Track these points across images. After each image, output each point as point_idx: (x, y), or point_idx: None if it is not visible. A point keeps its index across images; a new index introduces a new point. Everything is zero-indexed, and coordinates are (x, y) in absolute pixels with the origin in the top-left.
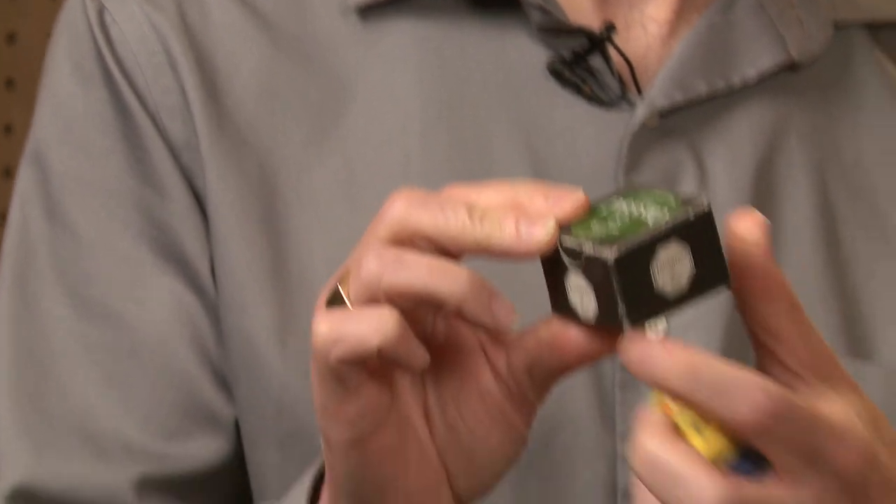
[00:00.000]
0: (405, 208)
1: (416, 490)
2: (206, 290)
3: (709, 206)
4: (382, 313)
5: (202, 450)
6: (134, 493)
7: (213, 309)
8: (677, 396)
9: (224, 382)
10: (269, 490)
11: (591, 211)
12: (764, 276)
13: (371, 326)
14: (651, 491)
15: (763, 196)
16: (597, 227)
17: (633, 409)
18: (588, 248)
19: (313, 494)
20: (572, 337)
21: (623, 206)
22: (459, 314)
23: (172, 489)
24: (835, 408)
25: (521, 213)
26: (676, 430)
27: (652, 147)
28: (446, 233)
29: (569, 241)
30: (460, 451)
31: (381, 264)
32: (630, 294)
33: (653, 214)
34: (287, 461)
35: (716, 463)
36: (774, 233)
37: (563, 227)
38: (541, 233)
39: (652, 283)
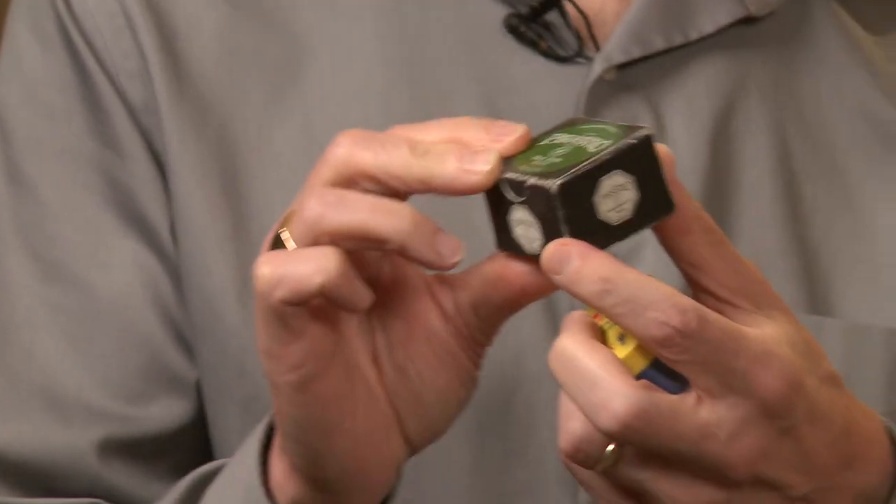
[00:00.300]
0: (348, 148)
1: (365, 433)
2: (167, 252)
3: (649, 133)
4: (324, 252)
5: (165, 412)
6: (96, 455)
7: (175, 271)
8: (590, 305)
9: (187, 345)
10: (232, 451)
11: (533, 145)
12: (678, 209)
13: (312, 266)
14: (564, 390)
15: (721, 150)
16: (539, 160)
17: None
18: (531, 180)
19: (266, 442)
20: (517, 271)
21: (566, 139)
22: (403, 253)
23: (135, 451)
24: (763, 331)
25: (464, 147)
26: (601, 337)
27: (609, 102)
28: (388, 170)
29: (512, 175)
30: (410, 393)
31: (322, 204)
32: (574, 223)
33: (595, 144)
34: (249, 423)
35: (634, 373)
36: (733, 188)
37: (507, 162)
38: (483, 166)
39: (596, 212)
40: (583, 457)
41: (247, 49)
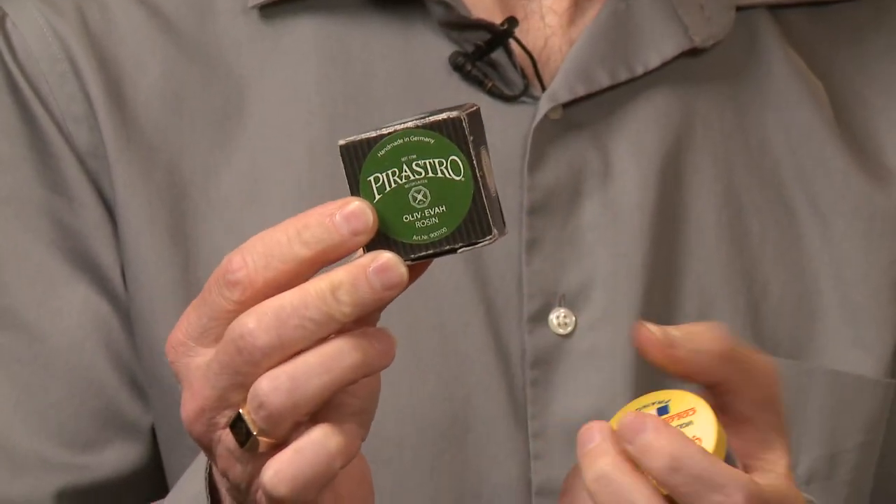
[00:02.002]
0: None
1: None
2: (119, 296)
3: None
4: (327, 441)
5: (119, 458)
6: None
7: (126, 316)
8: (656, 479)
9: (140, 389)
10: None
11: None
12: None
13: (325, 458)
14: None
15: (670, 185)
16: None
17: (545, 407)
18: None
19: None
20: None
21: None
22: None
23: (91, 498)
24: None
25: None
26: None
27: (555, 141)
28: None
29: None
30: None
31: (281, 393)
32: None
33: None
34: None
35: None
36: (682, 223)
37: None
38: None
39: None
40: None
41: (192, 92)
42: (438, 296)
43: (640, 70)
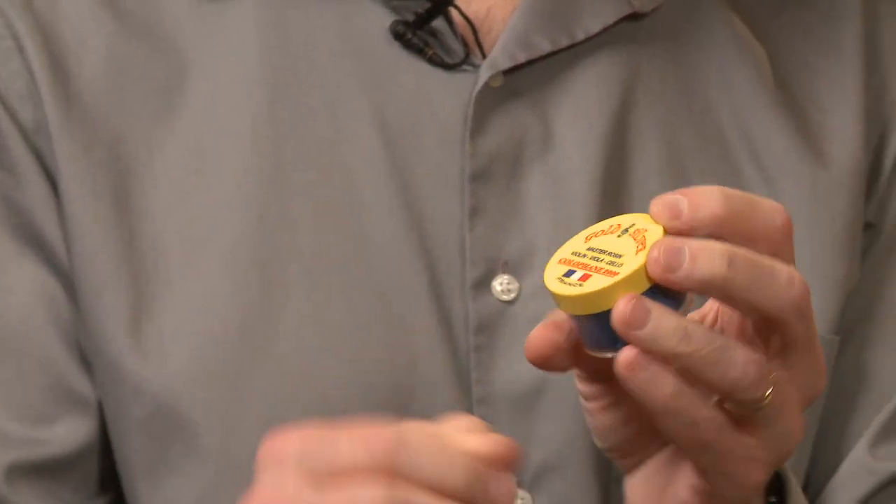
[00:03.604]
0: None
1: None
2: (65, 272)
3: None
4: None
5: (70, 433)
6: (4, 479)
7: (72, 291)
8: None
9: (88, 364)
10: (136, 469)
11: None
12: None
13: None
14: (736, 293)
15: (612, 150)
16: None
17: (489, 373)
18: None
19: None
20: None
21: None
22: None
23: (42, 473)
24: None
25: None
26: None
27: (497, 108)
28: None
29: None
30: None
31: None
32: None
33: None
34: (148, 442)
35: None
36: (624, 187)
37: None
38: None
39: None
40: (766, 383)
41: (135, 66)
42: (380, 263)
43: (580, 36)
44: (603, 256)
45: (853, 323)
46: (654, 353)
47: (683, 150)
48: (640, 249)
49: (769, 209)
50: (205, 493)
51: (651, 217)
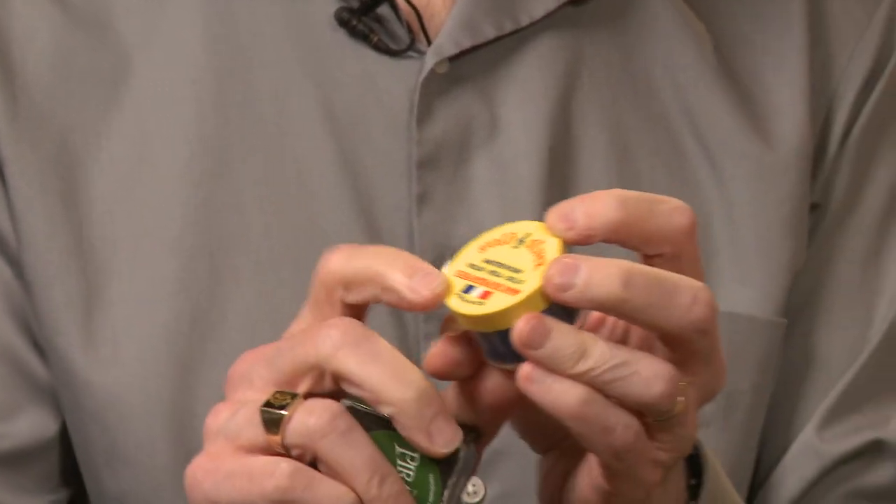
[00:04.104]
0: (334, 348)
1: None
2: (18, 263)
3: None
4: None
5: (32, 423)
6: None
7: (25, 281)
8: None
9: (44, 353)
10: (95, 458)
11: None
12: None
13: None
14: (637, 315)
15: (558, 133)
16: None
17: None
18: None
19: None
20: None
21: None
22: (391, 418)
23: (9, 462)
24: None
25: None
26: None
27: (443, 95)
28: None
29: None
30: None
31: (324, 425)
32: None
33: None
34: (102, 432)
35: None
36: (570, 169)
37: None
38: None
39: None
40: (677, 392)
41: (81, 57)
42: (329, 249)
43: (525, 21)
44: (501, 271)
45: (800, 305)
46: (555, 372)
47: (629, 131)
48: (539, 264)
49: (670, 210)
50: (160, 482)
51: (547, 227)
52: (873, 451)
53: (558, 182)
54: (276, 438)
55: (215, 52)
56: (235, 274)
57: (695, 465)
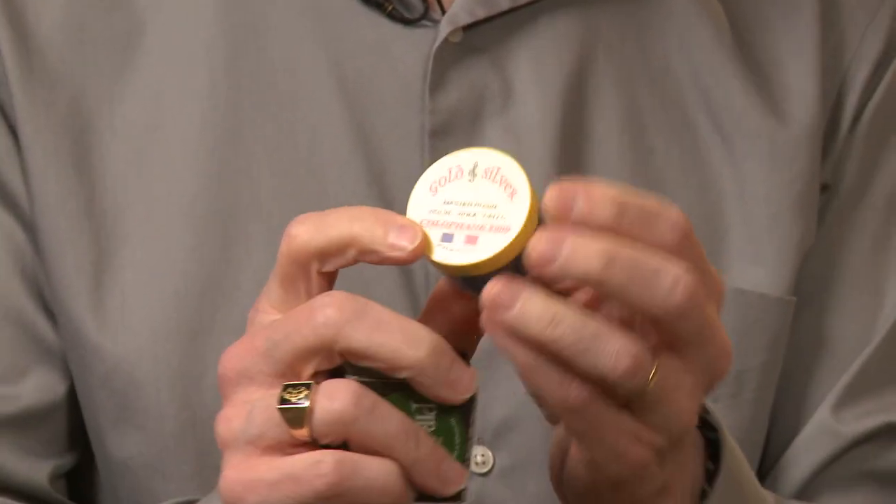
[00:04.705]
0: (337, 324)
1: None
2: (29, 225)
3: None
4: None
5: (41, 385)
6: None
7: (37, 244)
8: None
9: (53, 316)
10: (102, 422)
11: None
12: None
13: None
14: (620, 293)
15: (573, 107)
16: None
17: None
18: None
19: None
20: None
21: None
22: (411, 379)
23: (16, 424)
24: None
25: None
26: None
27: (456, 64)
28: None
29: None
30: None
31: (351, 408)
32: None
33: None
34: (111, 396)
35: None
36: (583, 143)
37: None
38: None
39: None
40: (642, 373)
41: (94, 22)
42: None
43: None
44: (474, 210)
45: (812, 286)
46: (520, 337)
47: (642, 108)
48: (514, 193)
49: (665, 225)
50: (166, 448)
51: (544, 205)
52: (887, 434)
53: (571, 155)
54: (303, 432)
55: (228, 19)
56: (247, 241)
57: (716, 448)
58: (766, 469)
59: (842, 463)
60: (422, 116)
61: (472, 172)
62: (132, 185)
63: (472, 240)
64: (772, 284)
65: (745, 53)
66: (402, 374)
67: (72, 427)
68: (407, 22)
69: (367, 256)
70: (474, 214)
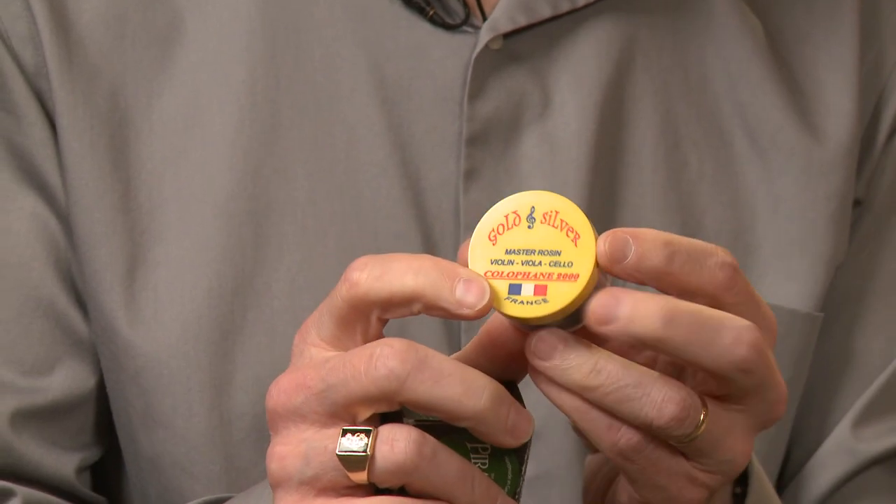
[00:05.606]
0: (400, 373)
1: None
2: (64, 214)
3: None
4: None
5: (70, 376)
6: (9, 426)
7: (71, 235)
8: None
9: (85, 309)
10: (131, 418)
11: None
12: None
13: None
14: (680, 350)
15: (610, 117)
16: None
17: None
18: None
19: None
20: None
21: None
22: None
23: (42, 418)
24: None
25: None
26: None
27: (496, 72)
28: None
29: None
30: None
31: (413, 457)
32: None
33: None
34: (140, 392)
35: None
36: (619, 154)
37: None
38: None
39: None
40: (690, 420)
41: (134, 15)
42: (374, 221)
43: (581, 1)
44: (539, 258)
45: (840, 301)
46: (562, 385)
47: (678, 120)
48: (577, 238)
49: (714, 265)
50: (195, 446)
51: (597, 255)
52: None
53: (607, 165)
54: (362, 475)
55: (268, 15)
56: (280, 241)
57: (742, 472)
58: (786, 481)
59: (859, 481)
60: (459, 123)
61: (530, 218)
62: (168, 181)
63: (541, 290)
64: (802, 300)
65: (783, 69)
66: (463, 424)
67: (99, 420)
68: (448, 27)
69: (432, 312)
70: (539, 263)
